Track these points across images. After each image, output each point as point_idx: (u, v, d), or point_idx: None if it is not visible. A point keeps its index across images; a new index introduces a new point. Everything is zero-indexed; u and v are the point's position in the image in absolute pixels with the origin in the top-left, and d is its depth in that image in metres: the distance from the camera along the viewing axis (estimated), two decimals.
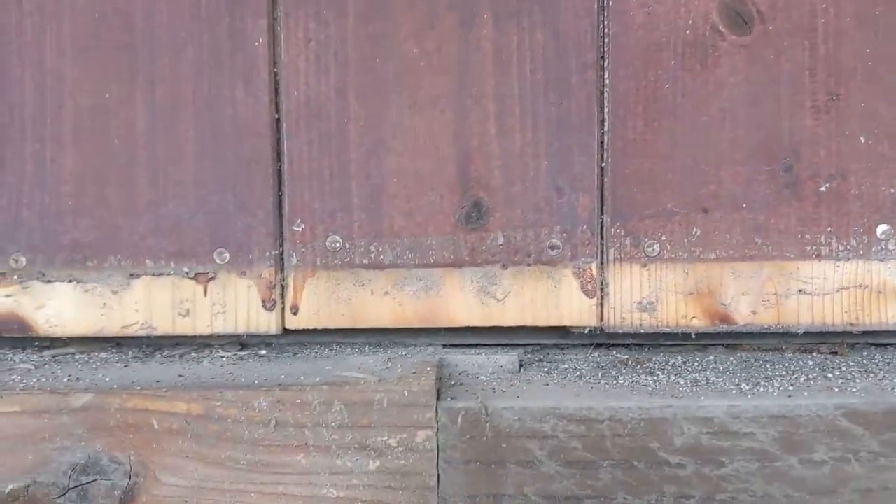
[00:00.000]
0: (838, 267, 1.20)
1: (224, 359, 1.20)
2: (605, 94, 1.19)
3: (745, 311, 1.21)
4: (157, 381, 1.07)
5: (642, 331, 1.22)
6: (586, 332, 1.24)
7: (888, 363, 1.19)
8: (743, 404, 1.02)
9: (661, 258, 1.21)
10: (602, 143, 1.20)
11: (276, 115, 1.20)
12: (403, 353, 1.23)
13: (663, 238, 1.21)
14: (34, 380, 1.10)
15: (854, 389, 1.07)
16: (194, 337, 1.23)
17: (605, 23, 1.18)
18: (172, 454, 1.02)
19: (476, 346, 1.28)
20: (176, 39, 1.19)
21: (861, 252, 1.20)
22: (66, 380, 1.10)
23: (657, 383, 1.11)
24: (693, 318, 1.22)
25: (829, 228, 1.20)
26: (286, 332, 1.22)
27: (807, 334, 1.23)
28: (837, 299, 1.20)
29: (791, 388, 1.09)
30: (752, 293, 1.21)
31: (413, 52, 1.19)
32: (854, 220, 1.19)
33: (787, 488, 1.01)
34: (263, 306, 1.21)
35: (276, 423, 1.01)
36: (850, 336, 1.25)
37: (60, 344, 1.25)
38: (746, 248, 1.21)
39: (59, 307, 1.21)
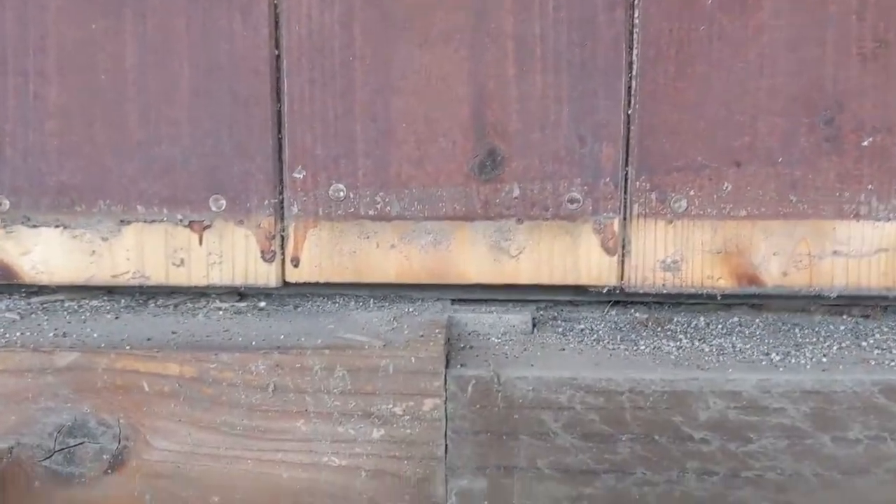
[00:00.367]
0: (877, 227, 1.11)
1: (221, 311, 1.12)
2: (635, 35, 1.08)
3: (776, 272, 1.13)
4: (149, 339, 0.99)
5: (664, 291, 1.14)
6: (605, 291, 1.16)
7: None
8: (774, 378, 0.94)
9: (688, 214, 1.12)
10: (629, 88, 1.09)
11: (276, 51, 1.10)
12: (410, 309, 1.14)
13: (691, 193, 1.11)
14: (17, 334, 1.02)
15: (892, 363, 0.99)
16: (189, 287, 1.16)
17: None
18: (164, 418, 0.94)
19: (486, 301, 1.20)
20: None
21: None
22: (51, 334, 1.02)
23: (680, 350, 1.03)
24: (720, 278, 1.13)
25: (869, 186, 1.10)
26: (286, 284, 1.15)
27: (838, 296, 1.15)
28: (875, 262, 1.12)
29: (825, 359, 1.01)
30: (784, 254, 1.12)
31: None
32: None
33: (818, 467, 0.94)
34: (262, 257, 1.13)
35: (275, 388, 0.93)
36: (885, 300, 1.16)
37: (48, 290, 1.18)
38: (780, 206, 1.11)
39: (45, 253, 1.13)
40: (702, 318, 1.14)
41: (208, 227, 1.09)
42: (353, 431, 0.91)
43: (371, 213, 1.09)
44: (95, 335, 0.99)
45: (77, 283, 1.11)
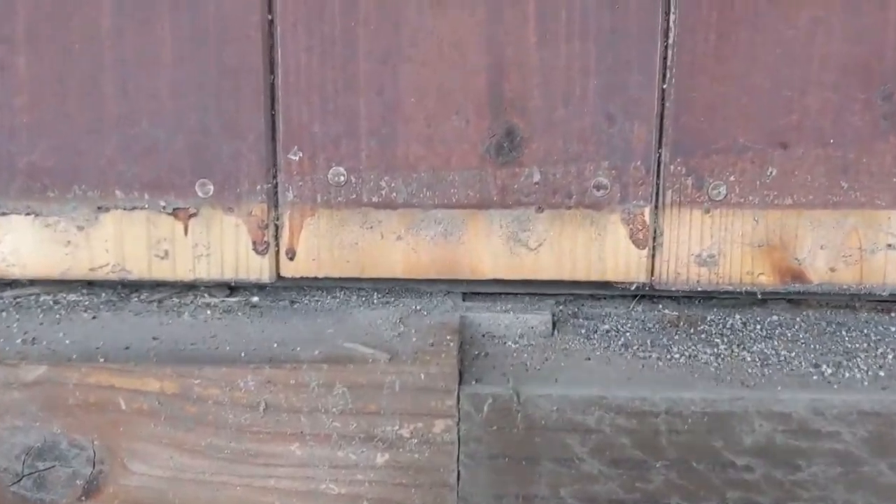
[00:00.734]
0: None
1: (209, 310, 0.99)
2: None
3: (822, 267, 0.99)
4: (127, 348, 0.86)
5: (699, 288, 1.00)
6: (633, 287, 1.03)
7: None
8: (829, 398, 0.81)
9: (727, 203, 0.98)
10: (665, 58, 0.95)
11: (269, 15, 0.95)
12: (418, 306, 1.01)
13: (732, 178, 0.97)
14: None
15: None
16: (175, 282, 1.03)
17: None
18: (143, 439, 0.82)
19: (500, 294, 1.07)
20: None
21: None
22: (19, 340, 0.89)
23: (719, 360, 0.90)
24: (760, 274, 1.00)
25: None
26: (281, 279, 1.02)
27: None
28: None
29: (882, 372, 0.87)
30: (833, 247, 0.99)
31: None
32: None
33: (873, 497, 0.82)
34: (254, 249, 0.99)
35: (266, 407, 0.81)
36: None
37: (23, 283, 1.05)
38: (830, 193, 0.97)
39: (16, 243, 1.00)
40: (737, 317, 1.01)
41: (194, 215, 0.96)
42: (354, 456, 0.79)
43: (375, 199, 0.96)
44: (68, 341, 0.86)
45: (52, 276, 0.98)
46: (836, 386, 0.80)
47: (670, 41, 0.90)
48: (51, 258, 0.96)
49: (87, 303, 0.98)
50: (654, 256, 0.95)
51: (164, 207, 0.94)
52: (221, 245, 0.95)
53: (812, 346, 0.91)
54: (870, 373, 0.84)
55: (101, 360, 0.78)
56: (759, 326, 0.96)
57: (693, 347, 0.90)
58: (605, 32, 0.89)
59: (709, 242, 0.94)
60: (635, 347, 0.90)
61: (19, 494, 0.78)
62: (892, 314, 1.01)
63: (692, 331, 0.96)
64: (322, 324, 0.89)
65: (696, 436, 0.78)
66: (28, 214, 0.95)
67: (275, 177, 0.94)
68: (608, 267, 0.95)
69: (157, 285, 1.01)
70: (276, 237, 0.95)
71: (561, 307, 1.02)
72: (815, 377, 0.82)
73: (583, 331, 0.95)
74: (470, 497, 0.78)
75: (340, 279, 1.00)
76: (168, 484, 0.78)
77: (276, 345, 0.83)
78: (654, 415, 0.77)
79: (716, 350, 0.89)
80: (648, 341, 0.91)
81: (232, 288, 1.02)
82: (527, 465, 0.78)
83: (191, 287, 1.01)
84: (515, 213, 0.94)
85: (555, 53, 0.90)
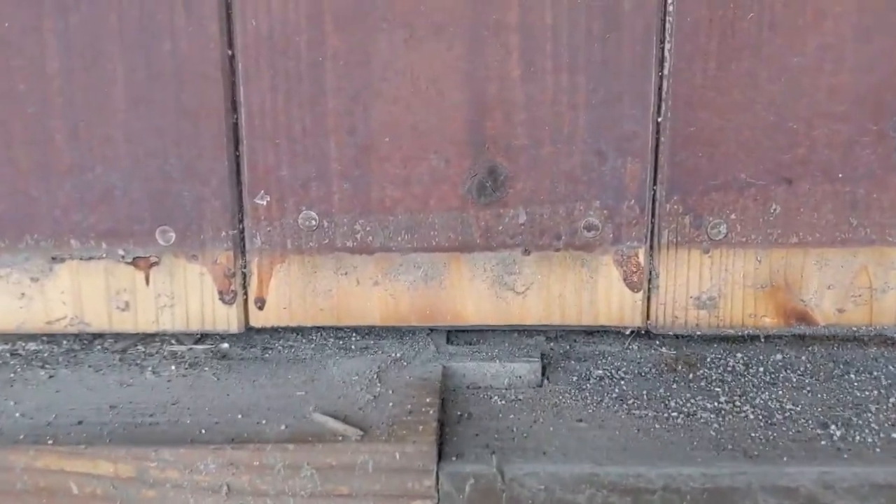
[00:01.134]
0: None
1: (173, 365, 0.92)
2: (668, 25, 0.85)
3: (830, 308, 0.92)
4: (80, 423, 0.79)
5: (699, 332, 0.93)
6: (628, 332, 0.95)
7: None
8: (839, 471, 0.74)
9: (728, 242, 0.90)
10: (660, 90, 0.87)
11: (230, 51, 0.86)
12: (398, 353, 0.94)
13: (732, 217, 0.89)
14: None
15: None
16: (137, 333, 0.95)
17: None
18: None
19: (487, 331, 0.99)
20: None
21: None
22: None
23: (720, 417, 0.83)
24: (764, 316, 0.92)
25: None
26: (250, 328, 0.94)
27: None
28: None
29: (895, 433, 0.81)
30: (841, 286, 0.91)
31: None
32: None
33: None
34: (221, 299, 0.92)
35: (230, 490, 0.74)
36: None
37: None
38: (838, 231, 0.90)
39: None
40: (739, 356, 0.94)
41: (156, 263, 0.88)
42: None
43: (349, 244, 0.88)
44: (18, 413, 0.79)
45: (7, 330, 0.90)
46: (846, 455, 0.72)
47: (666, 71, 0.81)
48: (3, 311, 0.88)
49: (46, 354, 0.91)
50: (649, 299, 0.87)
51: (123, 257, 0.86)
52: (186, 295, 0.87)
53: (819, 396, 0.84)
54: (882, 434, 0.77)
55: (50, 441, 0.70)
56: (762, 368, 0.89)
57: (692, 400, 0.83)
58: (595, 64, 0.81)
59: (708, 284, 0.87)
60: (630, 402, 0.82)
61: None
62: None
63: (691, 376, 0.88)
64: (293, 382, 0.83)
65: None
66: None
67: (241, 222, 0.86)
68: (601, 311, 0.87)
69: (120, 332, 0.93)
70: (244, 286, 0.87)
71: (552, 345, 0.95)
72: (822, 441, 0.75)
73: (574, 378, 0.88)
74: None
75: None
76: None
77: (240, 415, 0.76)
78: (651, 492, 0.70)
79: (717, 403, 0.82)
80: (644, 393, 0.84)
81: (201, 334, 0.93)
82: None
83: (156, 334, 0.92)
84: (500, 255, 0.86)
85: (541, 88, 0.81)
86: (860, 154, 0.85)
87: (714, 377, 0.90)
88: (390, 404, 0.78)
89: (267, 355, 0.93)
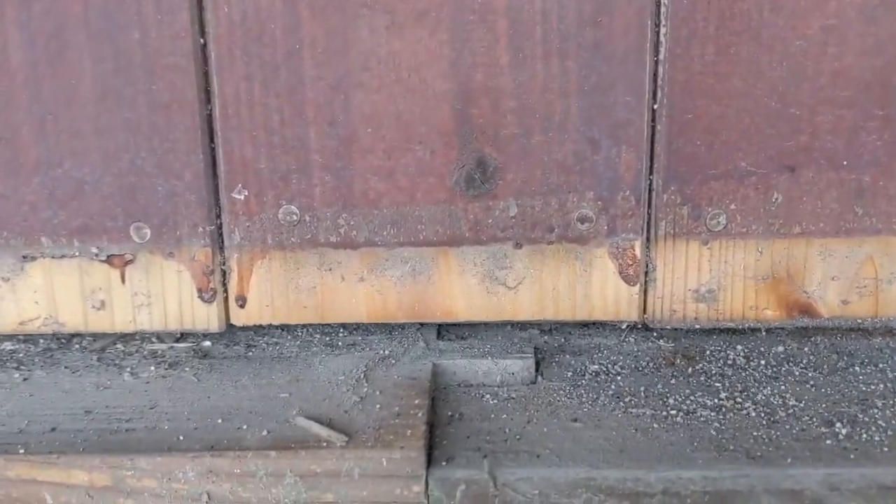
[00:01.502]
0: None
1: (153, 365, 0.90)
2: (663, 8, 0.82)
3: (834, 300, 0.89)
4: (53, 430, 0.76)
5: (697, 326, 0.90)
6: (624, 327, 0.92)
7: None
8: (845, 473, 0.72)
9: (727, 233, 0.87)
10: (656, 76, 0.83)
11: (202, 40, 0.83)
12: (386, 350, 0.92)
13: (732, 207, 0.87)
14: None
15: None
16: (114, 333, 0.92)
17: None
18: None
19: (478, 325, 0.97)
20: None
21: None
22: None
23: (721, 414, 0.81)
24: (765, 309, 0.90)
25: None
26: (231, 327, 0.91)
27: None
28: None
29: None
30: (845, 277, 0.88)
31: None
32: None
33: None
34: (200, 297, 0.89)
35: (210, 499, 0.72)
36: None
37: None
38: (843, 220, 0.87)
39: None
40: (739, 348, 0.91)
41: (131, 261, 0.85)
42: None
43: (333, 239, 0.85)
44: None
45: None
46: (852, 455, 0.70)
47: (661, 56, 0.78)
48: None
49: (22, 354, 0.90)
50: (646, 293, 0.85)
51: (96, 254, 0.83)
52: (164, 293, 0.84)
53: (823, 391, 0.82)
54: (889, 432, 0.75)
55: (21, 450, 0.68)
56: (763, 361, 0.87)
57: (691, 397, 0.81)
58: (587, 49, 0.77)
59: (707, 276, 0.84)
60: (627, 399, 0.80)
61: None
62: None
63: (689, 371, 0.86)
64: (276, 383, 0.80)
65: None
66: None
67: (218, 217, 0.83)
68: (595, 305, 0.85)
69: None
70: (224, 283, 0.84)
71: (546, 338, 0.93)
72: (828, 440, 0.73)
73: (569, 374, 0.85)
74: None
75: None
76: None
77: (220, 420, 0.74)
78: (650, 496, 0.68)
79: (717, 400, 0.80)
80: (642, 390, 0.82)
81: (182, 332, 0.91)
82: None
83: (135, 332, 0.90)
84: (491, 249, 0.83)
85: (530, 74, 0.78)
86: (866, 140, 0.82)
87: (714, 371, 0.88)
88: (377, 406, 0.76)
89: (251, 353, 0.91)
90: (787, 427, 0.78)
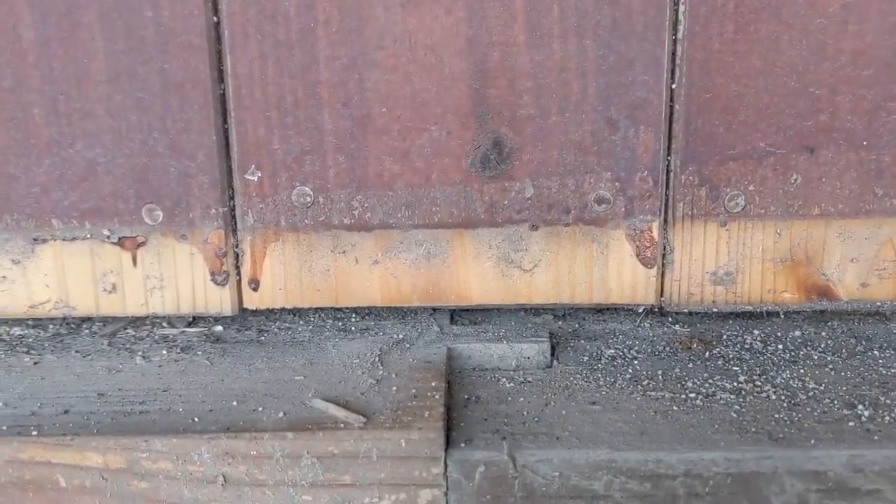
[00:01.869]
0: None
1: (165, 349, 0.90)
2: None
3: (853, 282, 0.89)
4: (66, 412, 0.76)
5: (715, 309, 0.90)
6: (641, 310, 0.92)
7: None
8: (869, 455, 0.72)
9: (746, 214, 0.87)
10: (674, 55, 0.83)
11: (215, 18, 0.83)
12: (400, 334, 0.92)
13: (751, 188, 0.87)
14: None
15: None
16: (125, 317, 0.92)
17: None
18: None
19: (492, 310, 0.97)
20: None
21: None
22: None
23: (741, 399, 0.81)
24: (783, 292, 0.90)
25: None
26: (244, 310, 0.91)
27: None
28: None
29: None
30: (865, 259, 0.88)
31: None
32: None
33: None
34: (213, 280, 0.89)
35: (226, 481, 0.72)
36: None
37: None
38: (862, 201, 0.87)
39: None
40: (756, 333, 0.91)
41: (143, 244, 0.85)
42: None
43: (347, 221, 0.85)
44: (1, 403, 0.77)
45: None
46: (876, 437, 0.70)
47: (680, 35, 0.78)
48: None
49: (31, 339, 0.89)
50: (663, 275, 0.85)
51: (108, 237, 0.83)
52: (176, 276, 0.84)
53: (843, 374, 0.82)
54: None
55: (34, 432, 0.67)
56: (780, 345, 0.87)
57: (710, 381, 0.81)
58: (604, 28, 0.77)
59: (725, 259, 0.84)
60: (645, 383, 0.80)
61: None
62: None
63: (707, 355, 0.86)
64: (290, 366, 0.80)
65: (719, 499, 0.70)
66: None
67: (231, 199, 0.83)
68: (612, 288, 0.85)
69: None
70: (237, 266, 0.84)
71: (560, 323, 0.92)
72: (850, 422, 0.73)
73: (585, 358, 0.85)
74: None
75: None
76: None
77: (235, 402, 0.74)
78: (671, 478, 0.68)
79: (735, 383, 0.80)
80: (660, 374, 0.82)
81: (194, 316, 0.91)
82: None
83: (146, 316, 0.90)
84: (506, 231, 0.83)
85: (547, 54, 0.78)
86: (886, 120, 0.82)
87: (731, 355, 0.88)
88: (394, 388, 0.76)
89: (263, 338, 0.90)
90: (809, 409, 0.78)
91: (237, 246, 0.88)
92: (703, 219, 0.87)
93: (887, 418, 0.77)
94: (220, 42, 0.83)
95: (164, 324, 0.96)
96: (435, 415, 0.74)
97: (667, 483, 0.71)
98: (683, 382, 0.84)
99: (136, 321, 0.96)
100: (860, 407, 0.79)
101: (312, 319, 0.97)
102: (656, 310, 0.95)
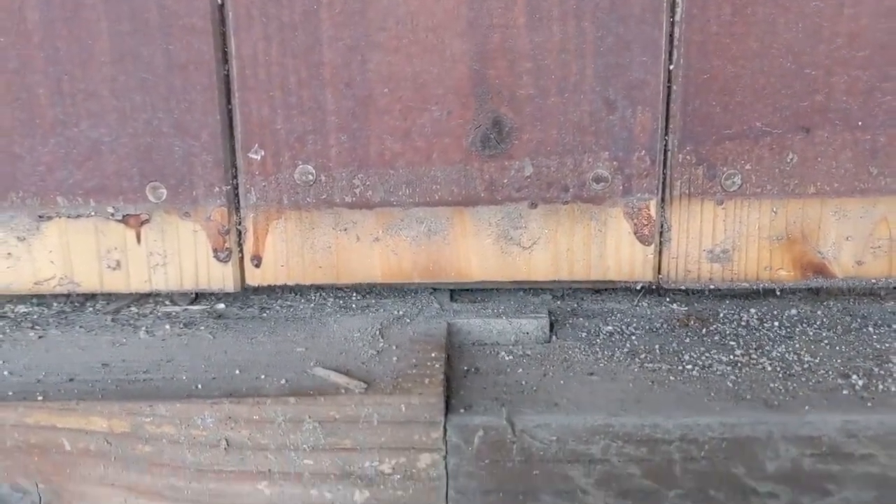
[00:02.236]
0: None
1: (168, 324, 0.93)
2: None
3: (848, 260, 0.92)
4: (71, 380, 0.79)
5: (712, 286, 0.93)
6: (639, 287, 0.95)
7: None
8: (862, 420, 0.75)
9: (742, 193, 0.90)
10: (672, 36, 0.86)
11: (219, 1, 0.86)
12: (400, 310, 0.95)
13: (748, 167, 0.90)
14: None
15: None
16: (129, 294, 0.95)
17: None
18: (93, 482, 0.76)
19: (491, 290, 0.99)
20: None
21: None
22: None
23: (737, 371, 0.84)
24: (779, 269, 0.92)
25: None
26: (246, 287, 0.94)
27: None
28: None
29: None
30: (859, 237, 0.91)
31: None
32: None
33: None
34: (216, 257, 0.92)
35: (229, 445, 0.74)
36: None
37: None
38: (857, 180, 0.90)
39: None
40: (752, 311, 0.94)
41: (147, 221, 0.88)
42: (329, 494, 0.73)
43: (348, 199, 0.88)
44: (7, 371, 0.80)
45: None
46: (869, 403, 0.73)
47: (677, 17, 0.81)
48: None
49: (36, 316, 0.93)
50: (661, 253, 0.88)
51: (112, 214, 0.86)
52: (179, 253, 0.87)
53: (838, 349, 0.85)
54: None
55: (40, 397, 0.70)
56: (776, 323, 0.90)
57: (706, 354, 0.84)
58: (603, 10, 0.81)
59: (722, 236, 0.87)
60: (643, 356, 0.83)
61: None
62: None
63: (704, 331, 0.89)
64: (292, 339, 0.83)
65: (714, 463, 0.72)
66: None
67: (234, 177, 0.85)
68: (610, 265, 0.88)
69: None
70: (240, 243, 0.87)
71: (559, 303, 0.95)
72: (845, 391, 0.76)
73: (584, 334, 0.88)
74: None
75: None
76: None
77: (238, 370, 0.77)
78: (667, 442, 0.71)
79: (732, 356, 0.83)
80: (657, 347, 0.85)
81: (197, 293, 0.93)
82: (524, 499, 0.71)
83: (149, 293, 0.92)
84: (506, 209, 0.86)
85: (547, 35, 0.81)
86: (881, 101, 0.85)
87: (728, 332, 0.90)
88: (394, 359, 0.79)
89: (265, 314, 0.93)
90: (804, 379, 0.81)
91: (240, 223, 0.91)
92: (700, 197, 0.90)
93: (881, 387, 0.80)
94: (225, 24, 0.86)
95: (167, 302, 0.99)
96: (435, 381, 0.76)
97: (663, 447, 0.74)
98: (680, 356, 0.87)
99: (139, 299, 0.98)
100: (854, 377, 0.82)
101: (314, 298, 1.00)
102: (654, 287, 0.97)
